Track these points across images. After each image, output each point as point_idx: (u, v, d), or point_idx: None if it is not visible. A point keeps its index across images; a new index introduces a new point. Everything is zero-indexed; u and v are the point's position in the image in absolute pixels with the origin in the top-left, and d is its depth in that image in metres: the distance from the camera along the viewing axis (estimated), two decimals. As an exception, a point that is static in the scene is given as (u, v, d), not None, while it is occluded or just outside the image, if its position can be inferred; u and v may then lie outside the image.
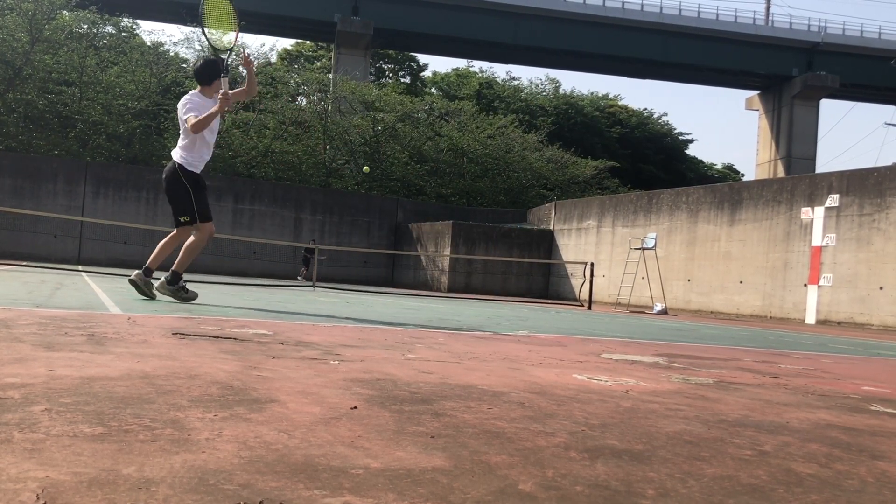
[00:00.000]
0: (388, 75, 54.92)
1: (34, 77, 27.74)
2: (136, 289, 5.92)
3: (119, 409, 1.54)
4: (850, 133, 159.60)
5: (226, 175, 27.37)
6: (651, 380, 2.78)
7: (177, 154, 5.80)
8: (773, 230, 15.91)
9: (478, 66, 56.72)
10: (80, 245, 22.63)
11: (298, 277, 22.73)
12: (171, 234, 6.00)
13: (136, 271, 5.93)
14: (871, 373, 3.91)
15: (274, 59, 43.57)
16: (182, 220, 5.84)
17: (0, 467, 1.08)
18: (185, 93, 6.24)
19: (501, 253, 22.78)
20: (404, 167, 32.76)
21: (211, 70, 5.82)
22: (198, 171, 5.85)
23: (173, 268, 5.85)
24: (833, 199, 14.64)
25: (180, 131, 5.86)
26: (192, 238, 5.89)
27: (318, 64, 51.29)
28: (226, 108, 5.61)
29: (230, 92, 5.62)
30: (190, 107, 5.66)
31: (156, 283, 5.90)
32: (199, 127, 5.57)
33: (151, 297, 5.87)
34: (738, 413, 2.09)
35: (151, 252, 6.02)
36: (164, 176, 5.90)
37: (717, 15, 52.00)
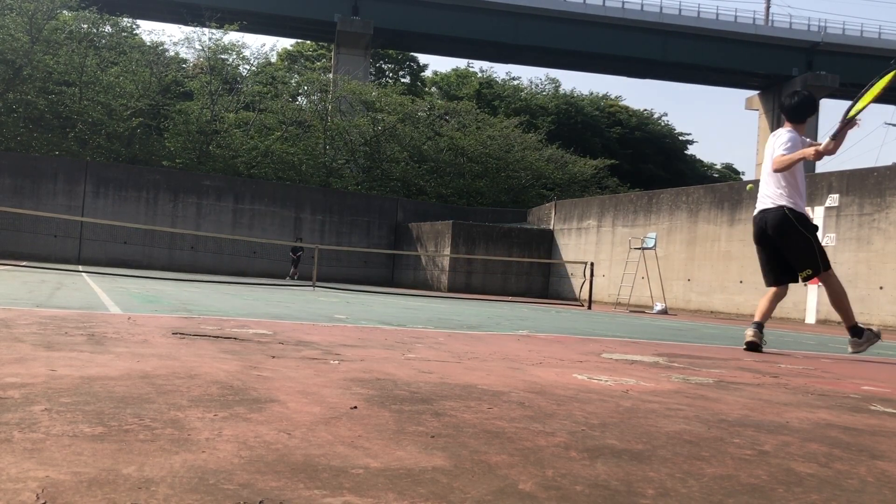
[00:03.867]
0: (388, 75, 54.88)
1: (34, 77, 27.72)
2: (755, 348, 4.95)
3: (119, 409, 1.54)
4: (850, 133, 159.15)
5: (226, 175, 27.36)
6: (651, 379, 2.77)
7: (782, 199, 5.09)
8: (773, 230, 15.89)
9: (478, 66, 56.85)
10: (80, 245, 22.60)
11: (287, 278, 22.77)
12: (773, 291, 5.18)
13: (751, 329, 4.96)
14: (871, 373, 3.90)
15: (274, 59, 43.55)
16: (804, 274, 5.09)
17: (0, 467, 1.08)
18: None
19: (501, 253, 22.77)
20: (404, 167, 32.74)
21: (808, 108, 5.30)
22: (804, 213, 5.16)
23: (846, 325, 5.06)
24: (833, 199, 14.63)
25: (770, 169, 5.14)
26: (832, 290, 5.07)
27: (319, 64, 51.25)
28: (811, 157, 5.01)
29: (822, 146, 5.03)
30: (791, 145, 5.06)
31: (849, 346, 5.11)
32: (782, 165, 5.03)
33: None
34: (738, 413, 2.09)
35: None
36: (772, 225, 5.08)
37: (717, 15, 51.96)
